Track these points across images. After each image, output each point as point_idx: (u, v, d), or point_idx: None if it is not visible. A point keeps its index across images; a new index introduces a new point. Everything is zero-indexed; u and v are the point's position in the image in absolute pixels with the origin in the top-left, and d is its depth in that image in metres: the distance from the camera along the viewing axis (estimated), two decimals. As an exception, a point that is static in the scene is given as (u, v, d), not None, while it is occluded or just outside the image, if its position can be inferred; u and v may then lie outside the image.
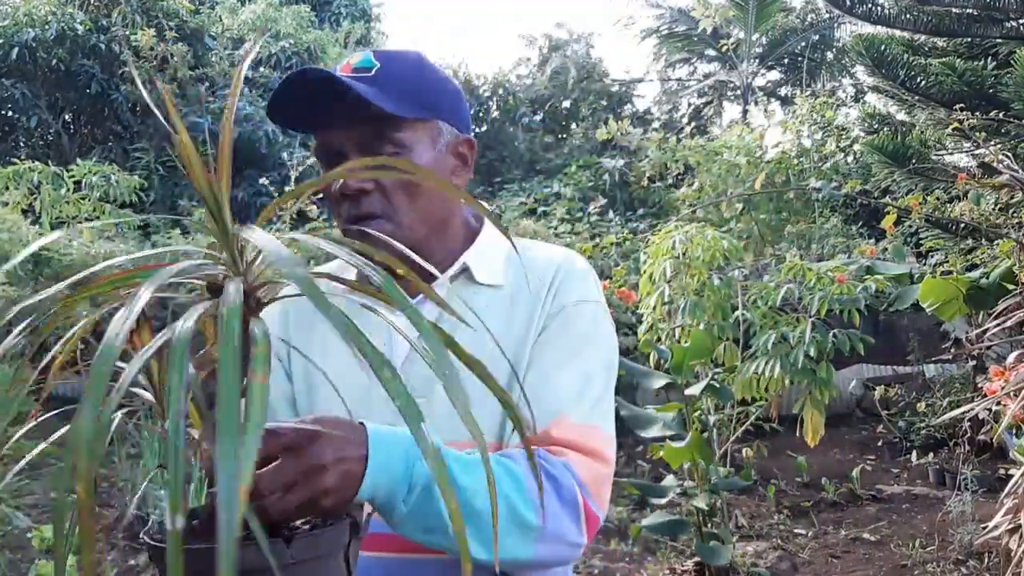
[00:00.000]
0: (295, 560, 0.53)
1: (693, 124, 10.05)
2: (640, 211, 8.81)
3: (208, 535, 0.52)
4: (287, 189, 6.17)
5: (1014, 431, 3.16)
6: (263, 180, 6.81)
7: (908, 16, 4.84)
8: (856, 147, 6.12)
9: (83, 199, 5.13)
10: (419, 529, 0.72)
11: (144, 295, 0.38)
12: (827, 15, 12.04)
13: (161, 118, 0.48)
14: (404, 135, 0.86)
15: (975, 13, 4.73)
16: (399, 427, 0.73)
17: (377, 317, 0.90)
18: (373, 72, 0.85)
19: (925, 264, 4.61)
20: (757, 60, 12.60)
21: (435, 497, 0.70)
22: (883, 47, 4.62)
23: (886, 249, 4.65)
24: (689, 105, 14.22)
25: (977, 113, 3.87)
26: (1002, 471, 3.78)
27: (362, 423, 0.72)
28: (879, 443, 5.60)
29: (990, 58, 4.73)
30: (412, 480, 0.70)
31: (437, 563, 0.84)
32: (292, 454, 0.62)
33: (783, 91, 13.39)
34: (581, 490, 0.82)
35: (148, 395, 0.56)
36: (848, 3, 5.01)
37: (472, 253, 0.93)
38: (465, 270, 0.93)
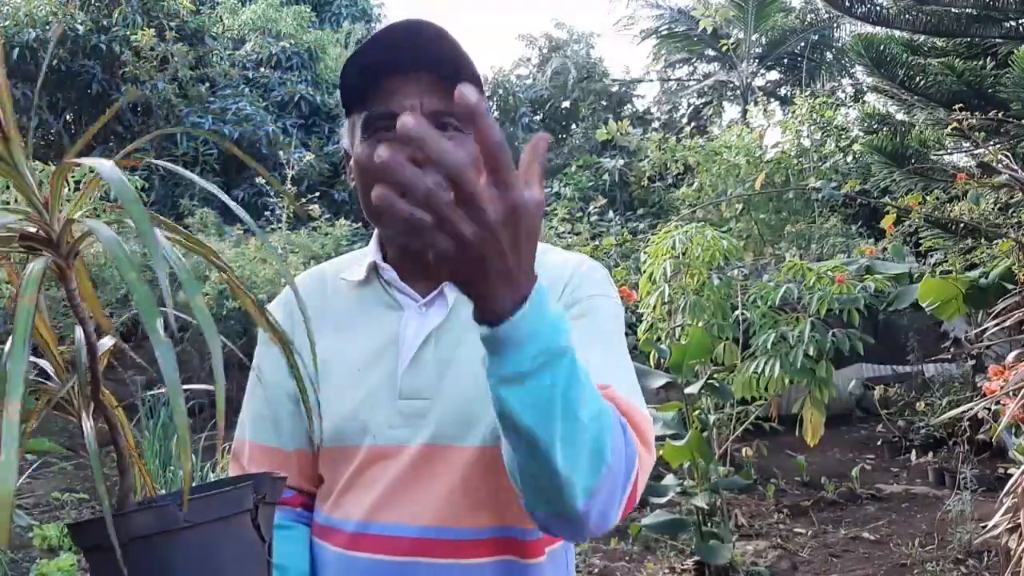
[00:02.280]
0: (189, 523, 0.53)
1: (693, 124, 10.07)
2: (640, 211, 8.83)
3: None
4: (286, 188, 6.17)
5: (1013, 430, 3.16)
6: (260, 180, 6.84)
7: (907, 16, 4.85)
8: (855, 147, 6.13)
9: (84, 198, 5.14)
10: (526, 400, 0.62)
11: None
12: (826, 15, 12.04)
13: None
14: (466, 120, 0.86)
15: (974, 13, 4.74)
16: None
17: (389, 317, 0.90)
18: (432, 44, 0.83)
19: (924, 264, 4.61)
20: (757, 60, 12.60)
21: (559, 373, 0.61)
22: (882, 47, 4.63)
23: (885, 249, 4.65)
24: (689, 105, 14.23)
25: (976, 113, 3.88)
26: (1001, 470, 3.78)
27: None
28: (878, 442, 5.60)
29: (989, 58, 4.74)
30: (549, 345, 0.61)
31: (438, 567, 0.83)
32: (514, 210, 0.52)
33: (783, 91, 13.40)
34: (636, 479, 0.76)
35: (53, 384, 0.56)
36: (847, 3, 5.02)
37: None
38: None
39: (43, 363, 0.55)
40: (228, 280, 0.53)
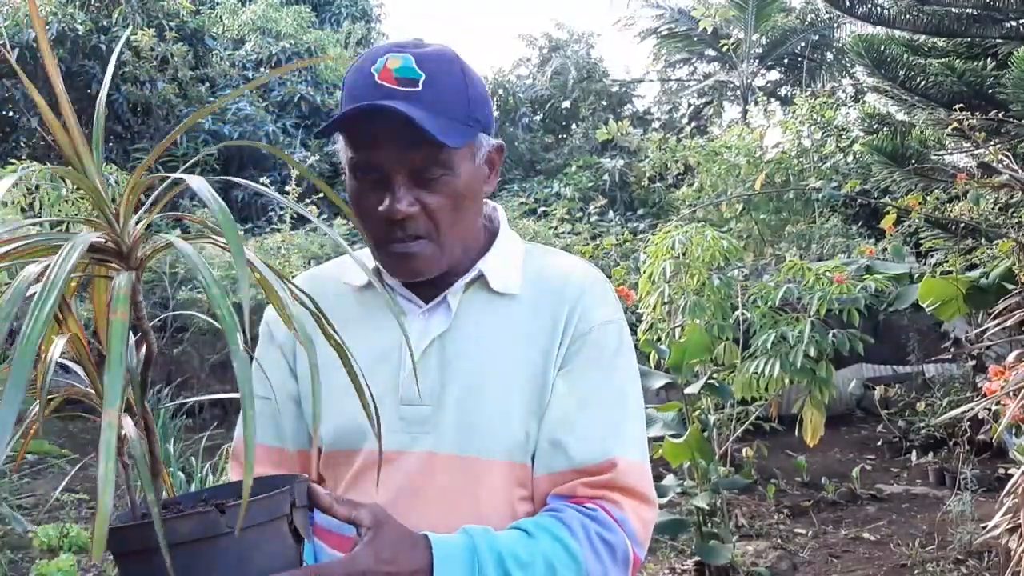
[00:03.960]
0: (231, 528, 0.54)
1: (693, 124, 10.07)
2: (640, 211, 8.83)
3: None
4: (287, 189, 6.18)
5: (1013, 430, 3.16)
6: (263, 180, 6.84)
7: (907, 16, 4.84)
8: (856, 147, 6.13)
9: (83, 199, 5.13)
10: None
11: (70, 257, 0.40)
12: (827, 15, 12.03)
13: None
14: (452, 156, 0.84)
15: (974, 13, 4.73)
16: (457, 537, 0.76)
17: (392, 321, 0.89)
18: (421, 85, 0.81)
19: (925, 264, 4.61)
20: (757, 60, 12.60)
21: None
22: (882, 47, 4.63)
23: (886, 249, 4.65)
24: (689, 105, 14.23)
25: (976, 113, 3.87)
26: (1002, 470, 3.78)
27: (426, 537, 0.73)
28: (879, 443, 5.60)
29: (990, 58, 4.73)
30: None
31: None
32: None
33: (783, 91, 13.39)
34: (632, 544, 0.83)
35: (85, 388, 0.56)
36: (848, 3, 5.01)
37: (488, 260, 0.91)
38: (480, 277, 0.90)
39: (72, 365, 0.55)
40: (284, 315, 0.54)
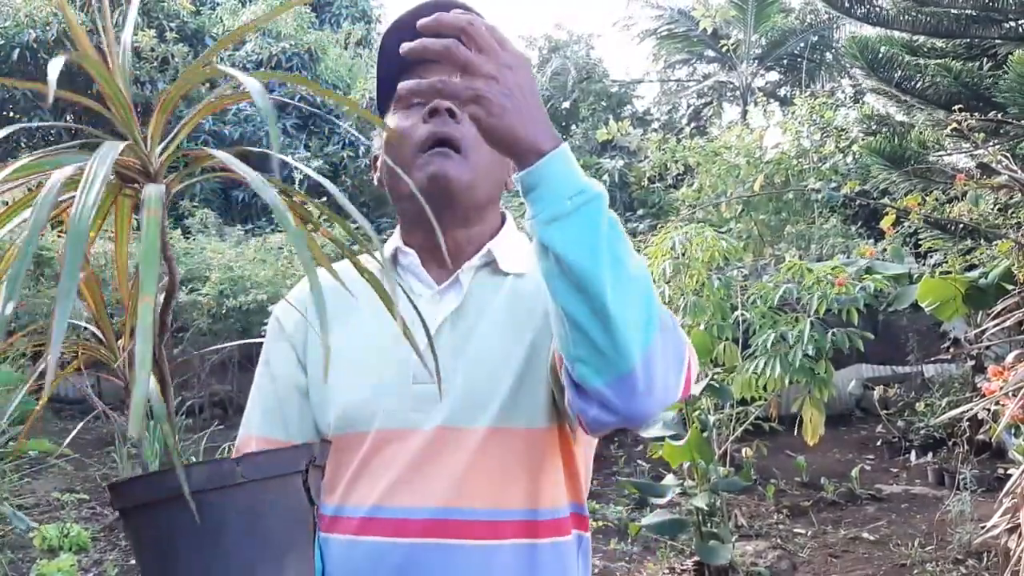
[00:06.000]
0: (246, 479, 0.54)
1: (692, 125, 10.07)
2: (640, 212, 8.83)
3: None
4: (288, 189, 6.18)
5: (1012, 431, 3.17)
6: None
7: (906, 17, 4.85)
8: (855, 148, 6.14)
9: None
10: (571, 237, 0.66)
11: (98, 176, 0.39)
12: (826, 16, 12.04)
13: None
14: None
15: (973, 14, 4.74)
16: None
17: (403, 304, 0.90)
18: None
19: (924, 264, 4.61)
20: (756, 61, 12.61)
21: (600, 213, 0.67)
22: (878, 50, 4.63)
23: (885, 249, 4.66)
24: (688, 106, 14.23)
25: (975, 114, 3.88)
26: (1001, 471, 3.79)
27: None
28: (878, 443, 5.61)
29: (988, 59, 4.74)
30: (586, 186, 0.68)
31: (449, 548, 0.82)
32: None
33: (782, 92, 13.39)
34: (689, 363, 0.82)
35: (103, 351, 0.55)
36: (846, 4, 5.02)
37: (497, 242, 0.94)
38: (490, 259, 0.93)
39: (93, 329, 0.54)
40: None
